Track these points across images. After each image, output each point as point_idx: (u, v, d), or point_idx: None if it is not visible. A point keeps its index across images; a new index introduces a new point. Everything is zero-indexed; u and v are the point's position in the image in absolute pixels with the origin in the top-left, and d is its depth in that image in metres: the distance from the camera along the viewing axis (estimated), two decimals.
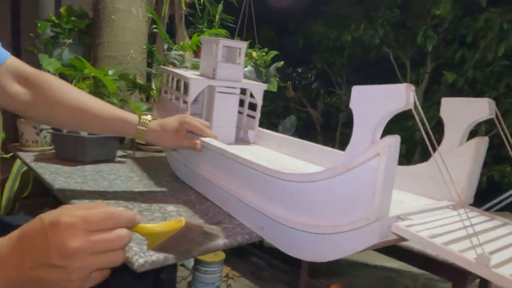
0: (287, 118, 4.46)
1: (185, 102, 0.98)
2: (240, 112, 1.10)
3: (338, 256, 0.57)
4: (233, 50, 1.01)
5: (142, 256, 0.59)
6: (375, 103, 0.49)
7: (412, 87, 0.46)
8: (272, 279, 2.18)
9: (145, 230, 0.52)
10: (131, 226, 0.48)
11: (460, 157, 0.66)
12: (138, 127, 0.84)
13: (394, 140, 0.47)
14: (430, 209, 0.61)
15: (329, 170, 0.53)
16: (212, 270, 1.82)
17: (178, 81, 1.04)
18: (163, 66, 1.17)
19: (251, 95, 1.08)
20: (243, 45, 1.00)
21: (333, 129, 4.83)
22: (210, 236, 0.60)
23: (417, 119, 0.48)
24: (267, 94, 4.31)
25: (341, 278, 2.13)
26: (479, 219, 0.63)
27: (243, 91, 1.08)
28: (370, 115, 0.49)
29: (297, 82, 5.37)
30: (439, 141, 0.72)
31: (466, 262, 0.45)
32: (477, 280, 1.41)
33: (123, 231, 0.45)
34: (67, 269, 0.41)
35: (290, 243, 0.64)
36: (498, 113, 0.62)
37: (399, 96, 0.46)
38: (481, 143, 0.65)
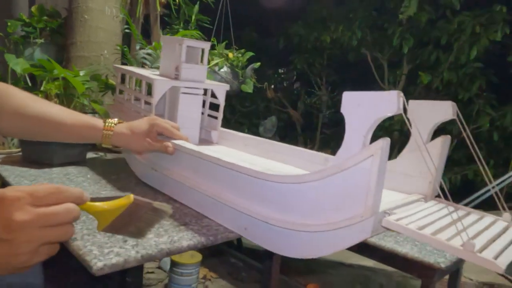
0: (268, 119, 4.47)
1: (147, 103, 0.96)
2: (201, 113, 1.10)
3: (330, 252, 0.60)
4: (196, 50, 1.01)
5: (102, 260, 0.58)
6: (367, 109, 0.52)
7: (402, 94, 0.50)
8: (250, 279, 2.18)
9: (94, 208, 0.51)
10: (79, 202, 0.47)
11: (426, 154, 0.71)
12: (103, 131, 0.83)
13: (386, 143, 0.51)
14: (408, 203, 0.67)
15: (321, 172, 0.56)
16: (188, 271, 1.81)
17: (137, 81, 1.03)
18: (117, 65, 1.15)
19: (214, 96, 1.08)
20: (206, 45, 1.00)
21: (313, 130, 4.87)
22: (159, 213, 0.58)
23: (408, 122, 0.54)
24: (247, 95, 4.30)
25: (317, 277, 2.15)
26: (449, 210, 0.68)
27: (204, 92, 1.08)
28: (363, 120, 0.53)
29: (278, 84, 5.39)
30: (406, 141, 0.76)
31: (454, 249, 0.49)
32: (446, 277, 1.45)
33: (71, 205, 0.45)
34: (13, 243, 0.41)
35: (279, 242, 0.65)
36: (460, 115, 0.68)
37: (391, 102, 0.50)
38: (446, 141, 0.71)
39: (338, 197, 0.55)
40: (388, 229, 0.55)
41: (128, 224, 0.56)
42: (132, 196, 0.53)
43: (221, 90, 1.06)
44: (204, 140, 1.12)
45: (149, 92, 0.97)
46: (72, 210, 0.45)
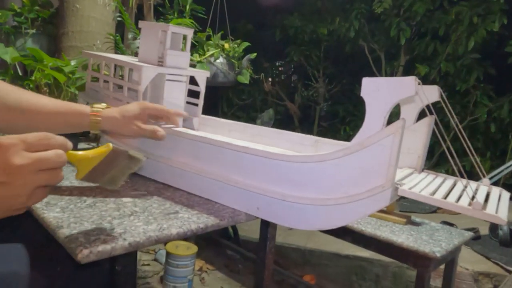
0: (265, 112, 4.44)
1: (132, 90, 0.94)
2: None
3: (352, 221, 0.69)
4: (178, 36, 0.99)
5: (87, 247, 0.57)
6: (386, 92, 0.59)
7: (417, 79, 0.58)
8: (246, 271, 2.18)
9: (76, 156, 0.56)
10: (64, 149, 0.51)
11: (415, 132, 0.80)
12: (90, 117, 0.81)
13: (403, 123, 0.58)
14: (408, 175, 0.75)
15: (343, 150, 0.63)
16: (184, 263, 1.80)
17: (116, 67, 1.01)
18: (87, 51, 1.11)
19: (194, 82, 1.07)
20: (189, 31, 0.99)
21: (311, 122, 4.85)
22: (134, 161, 0.62)
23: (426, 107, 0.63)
24: (244, 88, 4.29)
25: (313, 268, 2.15)
26: (442, 178, 0.78)
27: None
28: (382, 102, 0.59)
29: (276, 76, 5.36)
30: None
31: (464, 209, 0.58)
32: (442, 266, 1.44)
33: (59, 151, 0.49)
34: (12, 185, 0.45)
35: (297, 218, 0.70)
36: (445, 97, 0.73)
37: (409, 86, 0.58)
38: (431, 121, 0.79)
39: (359, 172, 0.61)
40: (402, 197, 0.63)
41: (105, 172, 0.60)
42: (110, 144, 0.58)
43: (202, 76, 1.05)
44: (185, 127, 1.11)
45: (121, 78, 0.96)
46: (61, 155, 0.49)
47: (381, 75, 3.89)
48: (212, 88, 1.82)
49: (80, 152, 0.56)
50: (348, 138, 4.13)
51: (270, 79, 5.17)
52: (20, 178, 0.45)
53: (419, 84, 0.59)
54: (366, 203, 0.62)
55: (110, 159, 0.58)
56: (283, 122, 4.95)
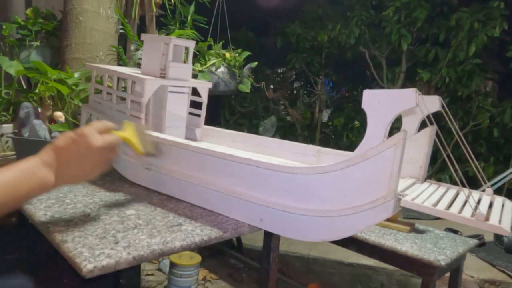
0: (268, 119, 4.45)
1: (135, 102, 0.95)
2: None
3: (353, 233, 0.68)
4: (180, 49, 1.00)
5: (92, 262, 0.57)
6: (387, 104, 0.59)
7: (418, 90, 0.58)
8: (250, 280, 2.17)
9: (121, 134, 0.70)
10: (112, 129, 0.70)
11: (417, 142, 0.81)
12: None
13: (405, 134, 0.59)
14: (410, 185, 0.75)
15: (345, 161, 0.63)
16: (187, 273, 1.80)
17: (119, 80, 1.02)
18: (91, 64, 1.12)
19: (197, 93, 1.08)
20: (191, 44, 1.00)
21: (313, 129, 4.85)
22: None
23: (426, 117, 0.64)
24: (246, 95, 4.27)
25: (318, 277, 2.13)
26: (444, 188, 0.79)
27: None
28: (383, 114, 0.59)
29: (277, 84, 5.37)
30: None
31: (467, 220, 0.58)
32: (447, 275, 1.43)
33: (116, 136, 0.67)
34: (94, 159, 0.64)
35: (300, 229, 0.71)
36: (445, 107, 0.74)
37: (410, 98, 0.58)
38: (433, 130, 0.80)
39: (361, 183, 0.62)
40: (405, 208, 0.63)
41: (145, 141, 0.74)
42: (131, 122, 0.71)
43: (204, 88, 1.06)
44: (187, 138, 1.11)
45: (124, 90, 0.97)
46: (118, 138, 0.66)
47: (382, 82, 3.90)
48: (214, 96, 1.82)
49: (120, 132, 0.71)
50: (351, 144, 4.13)
51: (271, 86, 5.19)
52: (99, 154, 0.63)
53: (419, 95, 0.59)
54: (369, 214, 0.62)
55: (139, 130, 0.73)
56: (285, 129, 4.95)
